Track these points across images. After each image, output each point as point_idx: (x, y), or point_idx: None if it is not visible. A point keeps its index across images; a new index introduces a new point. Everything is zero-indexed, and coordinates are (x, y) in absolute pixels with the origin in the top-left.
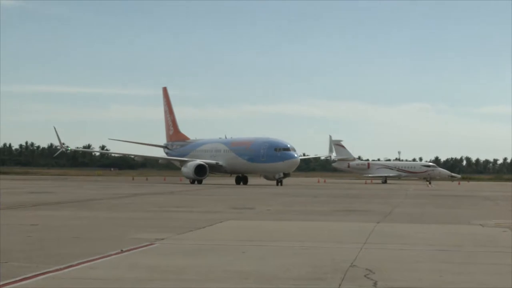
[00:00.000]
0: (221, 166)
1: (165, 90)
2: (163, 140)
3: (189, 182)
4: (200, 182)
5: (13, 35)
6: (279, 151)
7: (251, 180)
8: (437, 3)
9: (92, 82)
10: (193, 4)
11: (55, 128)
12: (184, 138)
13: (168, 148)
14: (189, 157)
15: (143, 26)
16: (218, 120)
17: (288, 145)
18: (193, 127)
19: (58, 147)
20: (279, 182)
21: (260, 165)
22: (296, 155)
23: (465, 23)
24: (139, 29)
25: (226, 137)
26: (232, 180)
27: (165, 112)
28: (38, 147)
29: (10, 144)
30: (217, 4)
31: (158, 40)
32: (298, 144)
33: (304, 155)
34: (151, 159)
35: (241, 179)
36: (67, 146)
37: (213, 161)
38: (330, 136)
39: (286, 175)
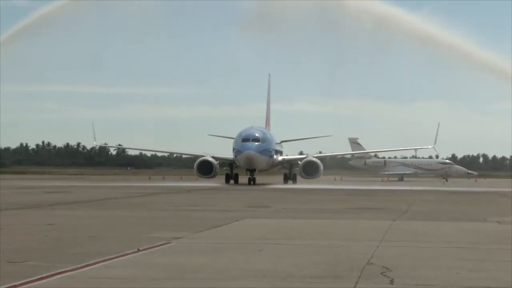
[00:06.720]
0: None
1: (269, 77)
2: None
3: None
4: (236, 181)
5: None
6: (240, 142)
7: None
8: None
9: (105, 81)
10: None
11: (93, 125)
12: None
13: None
14: None
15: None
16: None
17: (255, 135)
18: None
19: (97, 146)
20: (251, 180)
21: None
22: (250, 147)
23: (479, 21)
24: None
25: None
26: (280, 178)
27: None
28: (55, 146)
29: (26, 144)
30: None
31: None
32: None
33: (320, 152)
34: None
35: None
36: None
37: (231, 157)
38: (439, 123)
39: (251, 171)
